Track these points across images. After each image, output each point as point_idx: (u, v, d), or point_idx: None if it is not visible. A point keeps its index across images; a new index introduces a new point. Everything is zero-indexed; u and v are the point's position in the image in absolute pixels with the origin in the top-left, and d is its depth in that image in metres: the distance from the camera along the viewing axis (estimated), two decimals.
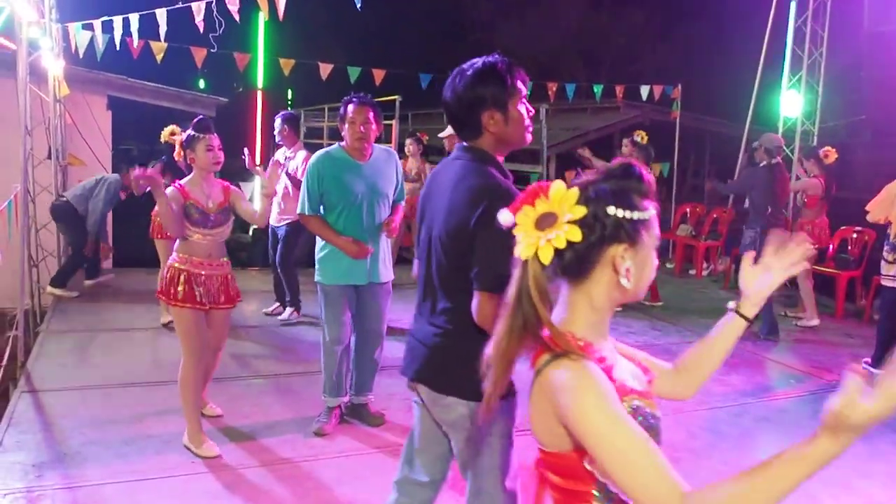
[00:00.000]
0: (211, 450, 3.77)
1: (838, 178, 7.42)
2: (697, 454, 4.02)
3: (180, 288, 3.72)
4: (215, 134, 3.81)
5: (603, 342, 1.35)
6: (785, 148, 9.09)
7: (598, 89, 10.69)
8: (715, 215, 9.68)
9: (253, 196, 8.48)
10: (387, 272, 4.11)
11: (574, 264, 1.29)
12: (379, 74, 8.92)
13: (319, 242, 4.07)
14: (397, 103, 9.26)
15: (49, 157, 7.65)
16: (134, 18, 7.17)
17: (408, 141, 8.45)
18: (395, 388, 4.58)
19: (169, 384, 4.79)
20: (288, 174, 6.12)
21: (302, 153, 6.21)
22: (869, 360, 5.62)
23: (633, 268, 1.29)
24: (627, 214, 1.27)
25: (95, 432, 4.02)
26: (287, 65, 8.64)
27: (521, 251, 1.25)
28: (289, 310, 6.42)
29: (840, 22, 9.48)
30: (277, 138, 6.43)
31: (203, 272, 3.79)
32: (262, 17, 6.80)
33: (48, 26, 7.19)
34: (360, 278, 4.00)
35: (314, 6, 19.84)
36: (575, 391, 1.19)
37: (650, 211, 1.32)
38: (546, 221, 1.25)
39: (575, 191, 1.26)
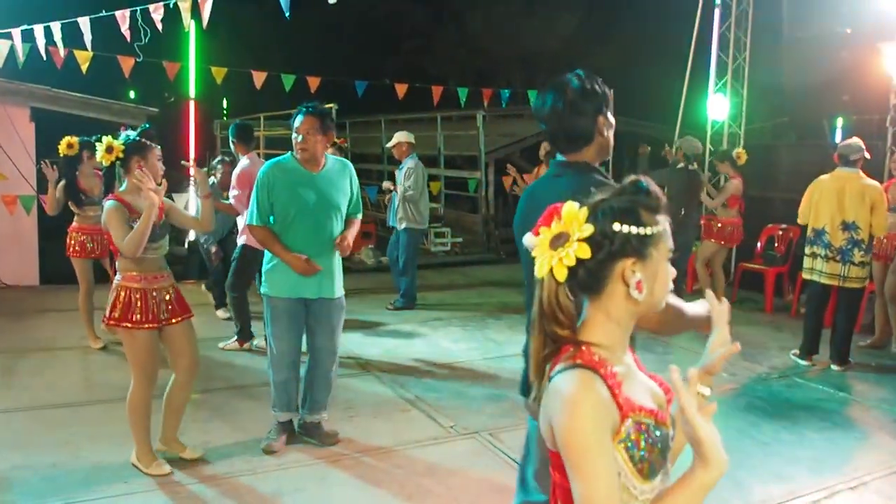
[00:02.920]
0: (161, 468, 3.65)
1: (763, 178, 7.75)
2: None
3: (136, 312, 3.54)
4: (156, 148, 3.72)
5: (620, 355, 1.41)
6: (712, 149, 9.42)
7: (532, 94, 10.83)
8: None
9: (188, 205, 8.28)
10: (338, 287, 4.00)
11: (588, 280, 1.36)
12: (314, 82, 8.85)
13: (268, 254, 3.95)
14: (333, 112, 9.21)
15: None
16: (56, 27, 6.95)
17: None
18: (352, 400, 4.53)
19: (99, 404, 4.66)
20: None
21: (238, 167, 5.88)
22: (797, 351, 5.85)
23: (644, 280, 1.35)
24: (633, 230, 1.33)
25: (21, 456, 3.86)
26: (219, 73, 8.50)
27: (537, 270, 1.34)
28: (233, 340, 5.95)
29: (762, 29, 9.85)
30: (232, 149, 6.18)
31: (157, 286, 3.63)
32: (187, 25, 6.63)
33: None
34: (310, 292, 3.89)
35: (247, 14, 19.57)
36: (566, 400, 1.28)
37: (659, 225, 1.37)
38: (559, 241, 1.33)
39: (585, 210, 1.34)
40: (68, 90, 8.80)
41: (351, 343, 6.01)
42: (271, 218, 3.90)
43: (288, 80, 8.78)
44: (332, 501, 3.50)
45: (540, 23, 21.82)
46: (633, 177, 1.41)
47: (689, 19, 9.61)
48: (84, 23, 6.84)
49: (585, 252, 1.31)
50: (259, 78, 8.60)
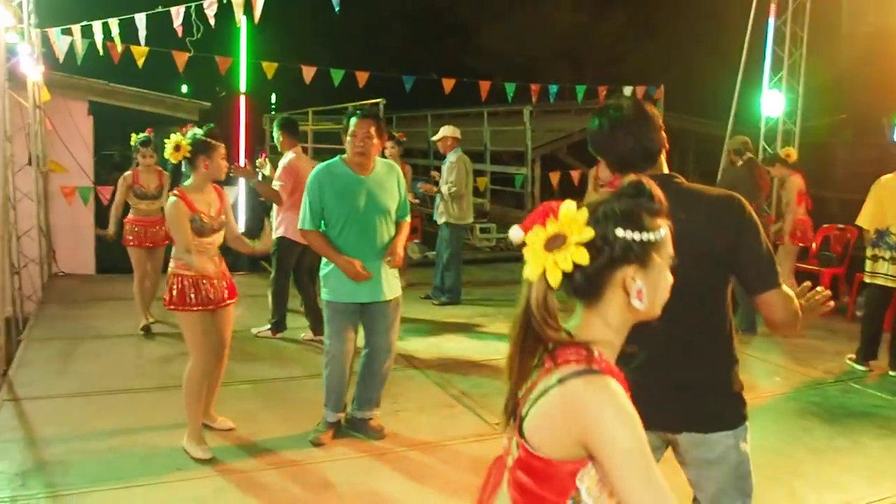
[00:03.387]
0: (203, 452, 3.78)
1: (819, 177, 7.51)
2: None
3: (192, 294, 3.77)
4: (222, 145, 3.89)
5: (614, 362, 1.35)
6: (767, 147, 9.20)
7: (580, 90, 10.73)
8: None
9: (237, 200, 8.44)
10: (391, 289, 4.00)
11: (584, 286, 1.29)
12: (362, 77, 8.91)
13: (325, 259, 3.98)
14: (381, 106, 9.26)
15: (29, 163, 7.58)
16: (113, 23, 7.12)
17: (388, 144, 8.34)
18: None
19: (153, 391, 4.77)
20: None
21: (284, 160, 5.87)
22: (853, 355, 5.68)
23: (644, 288, 1.29)
24: (637, 236, 1.27)
25: (79, 440, 3.98)
26: (270, 68, 8.61)
27: (529, 272, 1.26)
28: (266, 328, 6.11)
29: (819, 23, 9.57)
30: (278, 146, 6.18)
31: (205, 275, 3.81)
32: (240, 21, 6.74)
33: (27, 31, 7.13)
34: (365, 297, 3.92)
35: (297, 10, 19.80)
36: (608, 411, 1.20)
37: (662, 231, 1.31)
38: (555, 242, 1.25)
39: (584, 212, 1.26)
40: (123, 85, 9.04)
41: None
42: (321, 222, 3.92)
43: (337, 75, 8.85)
44: (378, 494, 3.53)
45: (588, 18, 21.60)
46: (632, 177, 1.34)
47: (743, 13, 9.40)
48: (140, 19, 7.01)
49: (584, 257, 1.23)
50: (308, 73, 8.68)
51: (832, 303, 2.10)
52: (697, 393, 2.07)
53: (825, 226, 7.90)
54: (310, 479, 3.64)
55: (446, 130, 7.58)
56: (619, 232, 1.26)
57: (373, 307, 3.97)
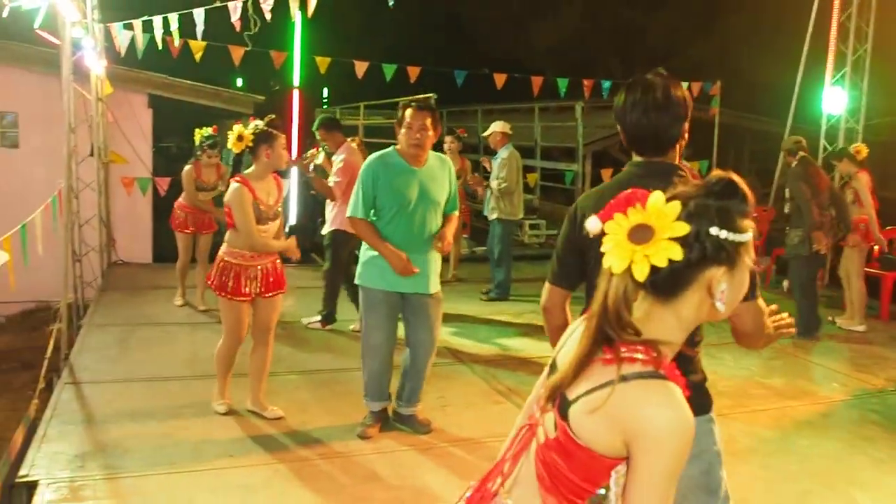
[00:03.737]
0: (218, 407, 4.20)
1: (883, 177, 7.23)
2: (738, 458, 3.94)
3: (230, 283, 3.94)
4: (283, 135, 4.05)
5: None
6: (828, 145, 8.92)
7: None
8: (754, 214, 9.48)
9: (289, 193, 8.56)
10: (434, 283, 4.00)
11: (667, 282, 1.23)
12: (414, 72, 8.91)
13: (365, 244, 4.01)
14: (433, 101, 9.26)
15: (91, 154, 7.82)
16: (173, 18, 7.28)
17: (447, 138, 8.29)
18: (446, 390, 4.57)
19: (205, 378, 4.86)
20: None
21: (341, 157, 5.86)
22: None
23: (728, 290, 1.25)
24: (730, 236, 1.22)
25: (135, 424, 4.10)
26: (323, 63, 8.68)
27: (613, 264, 1.21)
28: (316, 319, 6.19)
29: (886, 18, 9.22)
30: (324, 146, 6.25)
31: (255, 264, 3.98)
32: (295, 15, 6.80)
33: (90, 26, 7.34)
34: (407, 287, 3.90)
35: (348, 4, 19.94)
36: (663, 422, 1.16)
37: (749, 233, 1.26)
38: (641, 234, 1.19)
39: (676, 205, 1.21)
40: (181, 78, 9.24)
41: (444, 333, 6.03)
42: (371, 212, 3.93)
43: (389, 70, 8.88)
44: (424, 489, 3.54)
45: (641, 13, 21.24)
46: (719, 173, 1.27)
47: (805, 7, 9.12)
48: (198, 14, 7.14)
49: (677, 253, 1.17)
50: (361, 68, 8.73)
51: (793, 329, 2.04)
52: None
53: (888, 228, 7.62)
54: (357, 470, 3.67)
55: (497, 126, 7.55)
56: (714, 230, 1.21)
57: (414, 299, 3.96)
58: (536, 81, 9.73)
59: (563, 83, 10.02)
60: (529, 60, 20.93)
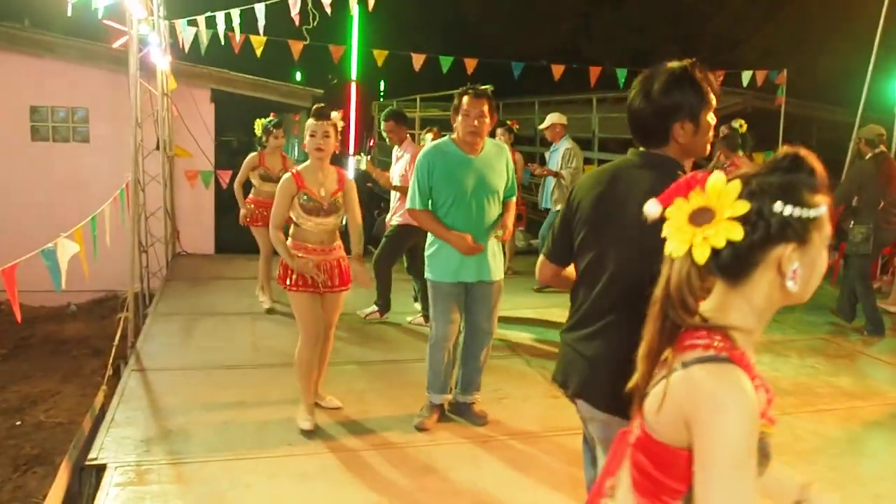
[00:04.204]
0: (303, 423, 3.95)
1: None
2: (804, 458, 3.82)
3: (291, 274, 3.86)
4: (329, 120, 3.81)
5: (752, 349, 1.24)
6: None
7: None
8: (826, 189, 9.14)
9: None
10: (497, 270, 4.01)
11: (733, 264, 1.20)
12: (471, 64, 8.89)
13: (429, 238, 4.00)
14: (490, 93, 9.19)
15: (157, 148, 8.05)
16: (235, 14, 7.42)
17: (498, 131, 8.24)
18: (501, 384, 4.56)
19: (266, 367, 4.97)
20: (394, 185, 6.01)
21: (409, 153, 5.88)
22: None
23: (800, 269, 1.18)
24: (796, 212, 1.16)
25: (198, 411, 4.21)
26: (381, 56, 8.73)
27: (673, 248, 1.19)
28: (373, 310, 6.21)
29: None
30: (385, 137, 6.25)
31: (316, 258, 3.88)
32: (353, 9, 6.85)
33: (156, 23, 7.54)
34: (470, 276, 3.92)
35: None
36: (722, 403, 1.11)
37: (822, 207, 1.19)
38: (702, 217, 1.16)
39: (736, 184, 1.17)
40: (241, 73, 9.42)
41: (500, 325, 6.02)
42: (429, 202, 3.94)
43: (445, 62, 8.88)
44: (481, 482, 3.53)
45: (704, 1, 20.67)
46: (786, 149, 1.22)
47: None
48: (259, 9, 7.26)
49: (737, 233, 1.13)
50: (418, 60, 8.75)
51: None
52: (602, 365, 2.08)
53: None
54: (412, 462, 3.69)
55: (554, 118, 7.48)
56: (778, 206, 1.16)
57: (476, 288, 3.97)
58: (594, 72, 9.59)
59: (621, 73, 9.84)
60: (588, 51, 20.65)
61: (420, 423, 4.06)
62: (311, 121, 3.82)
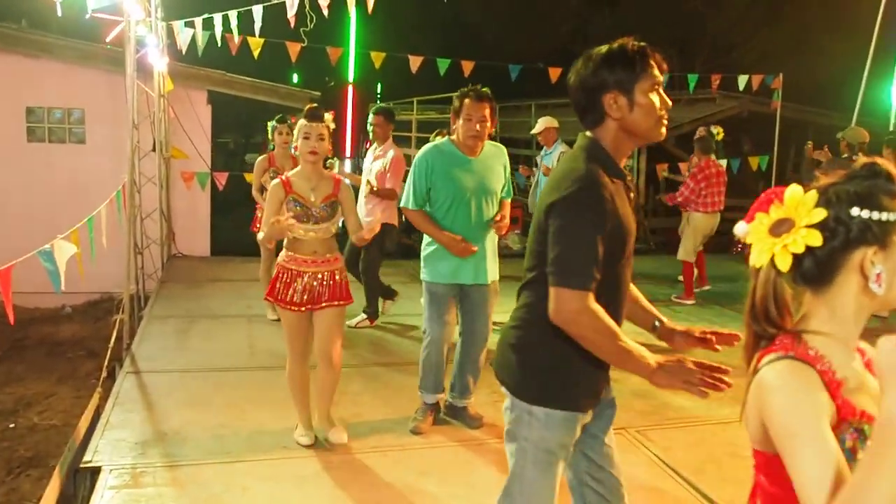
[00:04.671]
0: (301, 438, 3.82)
1: None
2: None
3: (279, 286, 3.61)
4: (323, 122, 3.57)
5: (844, 358, 1.25)
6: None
7: (692, 80, 10.33)
8: None
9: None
10: (493, 271, 4.01)
11: (815, 270, 1.23)
12: (468, 66, 8.90)
13: (426, 239, 3.99)
14: (491, 95, 9.19)
15: (154, 149, 8.03)
16: (233, 15, 7.42)
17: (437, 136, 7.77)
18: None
19: (261, 370, 4.96)
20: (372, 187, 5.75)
21: (391, 153, 5.80)
22: None
23: (884, 272, 1.20)
24: (875, 215, 1.19)
25: (194, 413, 4.19)
26: (378, 58, 8.74)
27: (755, 259, 1.24)
28: (363, 318, 6.08)
29: None
30: (370, 133, 6.08)
31: (308, 270, 3.59)
32: (352, 11, 6.85)
33: (154, 24, 7.53)
34: (467, 278, 3.91)
35: (403, 1, 20.01)
36: (781, 390, 1.17)
37: None
38: (782, 227, 1.21)
39: (813, 194, 1.21)
40: (239, 75, 9.42)
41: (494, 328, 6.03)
42: (425, 202, 3.93)
43: (443, 65, 8.90)
44: (475, 485, 3.52)
45: (703, 2, 20.73)
46: (865, 159, 1.26)
47: None
48: (257, 10, 7.26)
49: (816, 239, 1.18)
50: (415, 62, 8.77)
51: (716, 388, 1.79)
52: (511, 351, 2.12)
53: None
54: (408, 464, 3.69)
55: (545, 122, 7.46)
56: (855, 211, 1.19)
57: (473, 290, 3.95)
58: None
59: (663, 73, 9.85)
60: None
61: (415, 427, 4.05)
62: (303, 122, 3.57)
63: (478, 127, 3.78)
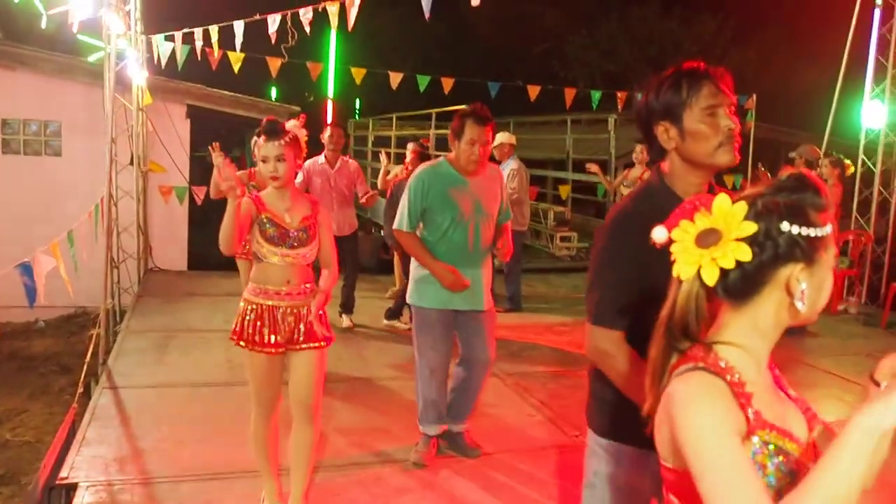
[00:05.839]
0: None
1: None
2: None
3: (247, 327, 3.05)
4: (281, 140, 2.99)
5: (757, 370, 1.23)
6: (867, 160, 8.76)
7: None
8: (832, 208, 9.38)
9: None
10: (489, 297, 3.81)
11: (740, 285, 1.20)
12: (448, 83, 8.98)
13: (416, 261, 3.79)
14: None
15: (131, 163, 7.98)
16: (213, 30, 7.42)
17: (410, 146, 7.43)
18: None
19: (241, 386, 4.87)
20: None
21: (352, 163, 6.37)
22: None
23: (808, 289, 1.18)
24: (804, 231, 1.16)
25: (172, 429, 4.15)
26: (359, 74, 8.79)
27: (681, 270, 1.20)
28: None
29: None
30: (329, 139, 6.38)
31: (281, 304, 3.03)
32: (334, 27, 6.89)
33: (134, 37, 7.51)
34: (462, 304, 3.70)
35: (382, 16, 20.14)
36: (691, 405, 1.13)
37: (828, 227, 1.20)
38: (709, 238, 1.17)
39: (742, 205, 1.18)
40: (218, 89, 9.41)
41: None
42: (418, 225, 3.75)
43: (423, 81, 8.96)
44: (456, 497, 3.53)
45: (677, 25, 21.12)
46: (790, 170, 1.24)
47: (843, 20, 8.98)
48: (238, 26, 7.27)
49: (746, 254, 1.14)
50: (395, 78, 8.82)
51: None
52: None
53: None
54: (391, 481, 3.68)
55: (503, 137, 7.42)
56: (785, 226, 1.16)
57: (470, 316, 3.75)
58: (569, 93, 9.75)
59: (595, 95, 10.01)
60: (563, 73, 20.92)
61: (419, 459, 3.82)
62: (259, 141, 3.00)
63: (480, 151, 3.61)
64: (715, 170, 1.87)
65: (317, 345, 3.09)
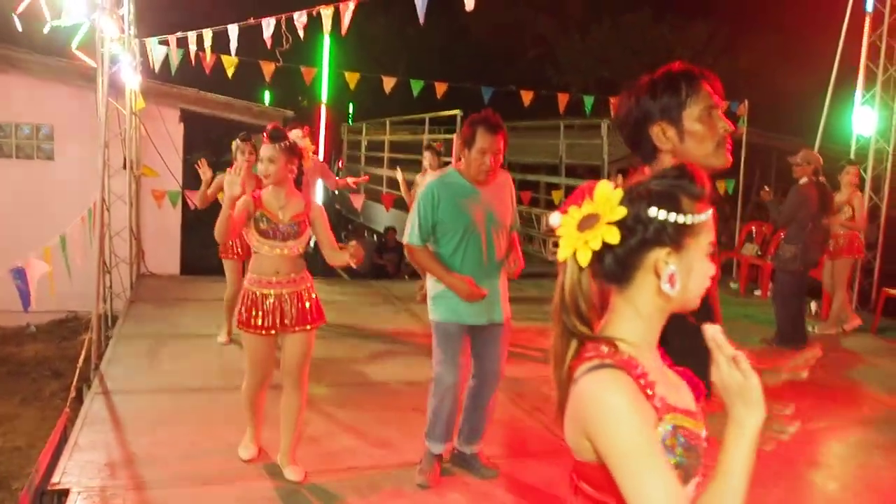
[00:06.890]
0: (243, 451, 3.86)
1: None
2: (763, 484, 3.89)
3: (243, 311, 3.55)
4: (274, 144, 3.47)
5: (648, 354, 1.28)
6: (863, 173, 8.82)
7: None
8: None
9: None
10: (506, 309, 3.68)
11: (615, 268, 1.25)
12: (441, 88, 9.00)
13: (432, 277, 3.66)
14: (458, 118, 9.33)
15: (124, 167, 7.96)
16: (207, 34, 7.41)
17: (426, 154, 7.58)
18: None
19: (234, 390, 4.87)
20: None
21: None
22: None
23: (678, 274, 1.23)
24: (671, 217, 1.21)
25: (164, 434, 4.14)
26: (352, 79, 8.80)
27: (560, 253, 1.25)
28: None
29: None
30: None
31: (272, 291, 3.51)
32: (328, 32, 6.90)
33: (127, 41, 7.49)
34: (480, 318, 3.58)
35: (376, 21, 20.17)
36: (602, 403, 1.17)
37: (701, 215, 1.24)
38: (588, 223, 1.22)
39: (619, 192, 1.22)
40: (212, 93, 9.40)
41: None
42: (429, 239, 3.62)
43: (416, 86, 8.98)
44: (444, 498, 3.54)
45: (669, 31, 21.23)
46: (676, 161, 1.29)
47: (834, 27, 9.05)
48: (233, 30, 7.27)
49: (614, 236, 1.19)
50: (389, 83, 8.83)
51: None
52: None
53: None
54: (384, 483, 3.68)
55: None
56: (652, 212, 1.21)
57: (486, 330, 3.63)
58: (563, 99, 9.77)
59: (588, 101, 10.05)
60: (557, 78, 21.00)
61: (424, 481, 3.69)
62: (241, 144, 3.62)
63: (492, 161, 3.48)
64: (708, 172, 1.85)
65: (306, 327, 3.59)
